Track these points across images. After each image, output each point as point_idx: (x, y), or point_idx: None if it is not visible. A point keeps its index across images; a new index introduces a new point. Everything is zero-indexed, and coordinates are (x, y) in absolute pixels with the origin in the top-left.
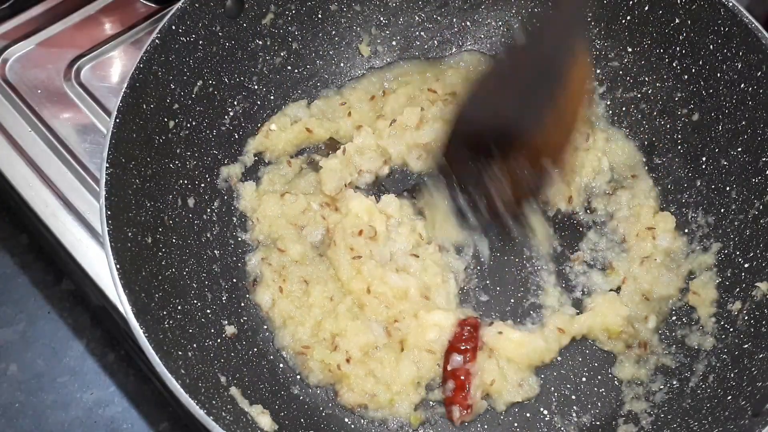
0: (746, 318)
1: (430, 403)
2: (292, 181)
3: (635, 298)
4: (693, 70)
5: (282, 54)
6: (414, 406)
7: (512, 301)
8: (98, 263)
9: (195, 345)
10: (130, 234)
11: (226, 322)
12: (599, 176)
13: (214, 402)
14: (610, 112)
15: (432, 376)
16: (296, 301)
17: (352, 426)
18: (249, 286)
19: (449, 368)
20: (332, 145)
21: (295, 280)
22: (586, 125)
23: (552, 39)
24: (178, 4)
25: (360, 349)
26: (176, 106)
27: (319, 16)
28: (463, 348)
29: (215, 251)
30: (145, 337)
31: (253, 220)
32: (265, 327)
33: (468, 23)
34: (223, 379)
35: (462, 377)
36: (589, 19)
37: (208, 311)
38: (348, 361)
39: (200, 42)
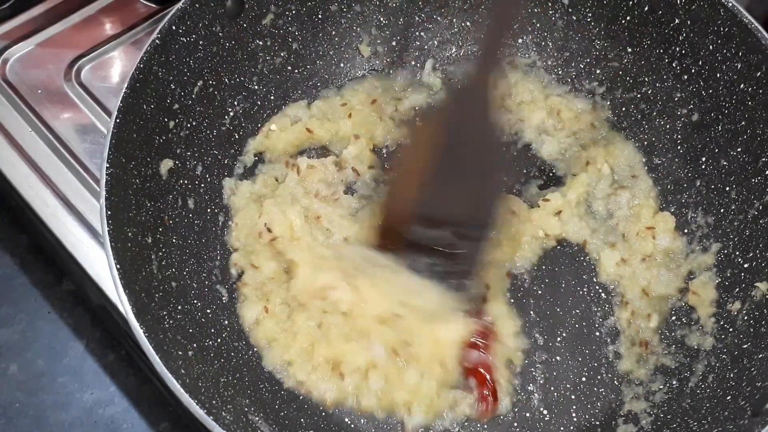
0: (746, 318)
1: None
2: (282, 185)
3: (636, 296)
4: (693, 71)
5: (282, 54)
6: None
7: None
8: (98, 263)
9: (195, 345)
10: (130, 234)
11: (226, 321)
12: (602, 180)
13: (214, 402)
14: (610, 112)
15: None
16: (282, 324)
17: (352, 426)
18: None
19: (466, 365)
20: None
21: (278, 301)
22: (587, 127)
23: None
24: (179, 5)
25: (361, 369)
26: (176, 106)
27: (319, 16)
28: (474, 342)
29: (216, 251)
30: (145, 337)
31: (231, 224)
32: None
33: (468, 23)
34: (222, 379)
35: (482, 370)
36: (589, 20)
37: (208, 311)
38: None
39: (200, 42)
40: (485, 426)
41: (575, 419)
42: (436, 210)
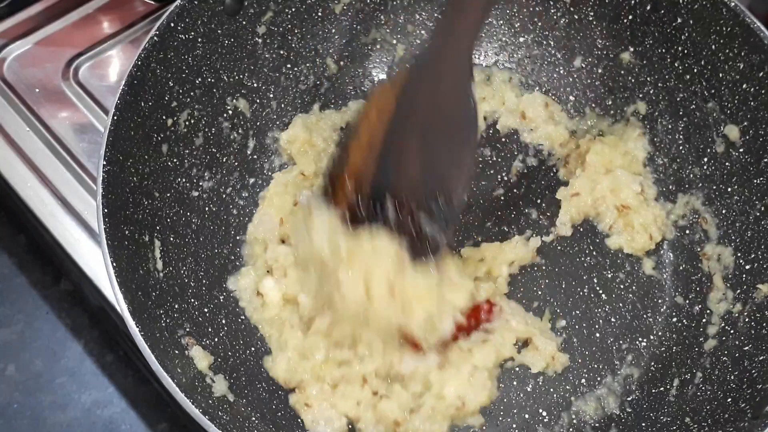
0: (747, 320)
1: None
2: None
3: None
4: (695, 70)
5: (281, 52)
6: None
7: None
8: (96, 263)
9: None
10: (127, 232)
11: (224, 321)
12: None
13: (210, 402)
14: (612, 112)
15: None
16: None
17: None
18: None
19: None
20: None
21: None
22: (587, 126)
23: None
24: (177, 2)
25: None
26: (174, 103)
27: (319, 14)
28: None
29: (213, 250)
30: (141, 335)
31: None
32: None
33: None
34: (219, 378)
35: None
36: (590, 19)
37: (206, 310)
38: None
39: (199, 40)
40: (483, 427)
41: (574, 420)
42: (390, 180)
